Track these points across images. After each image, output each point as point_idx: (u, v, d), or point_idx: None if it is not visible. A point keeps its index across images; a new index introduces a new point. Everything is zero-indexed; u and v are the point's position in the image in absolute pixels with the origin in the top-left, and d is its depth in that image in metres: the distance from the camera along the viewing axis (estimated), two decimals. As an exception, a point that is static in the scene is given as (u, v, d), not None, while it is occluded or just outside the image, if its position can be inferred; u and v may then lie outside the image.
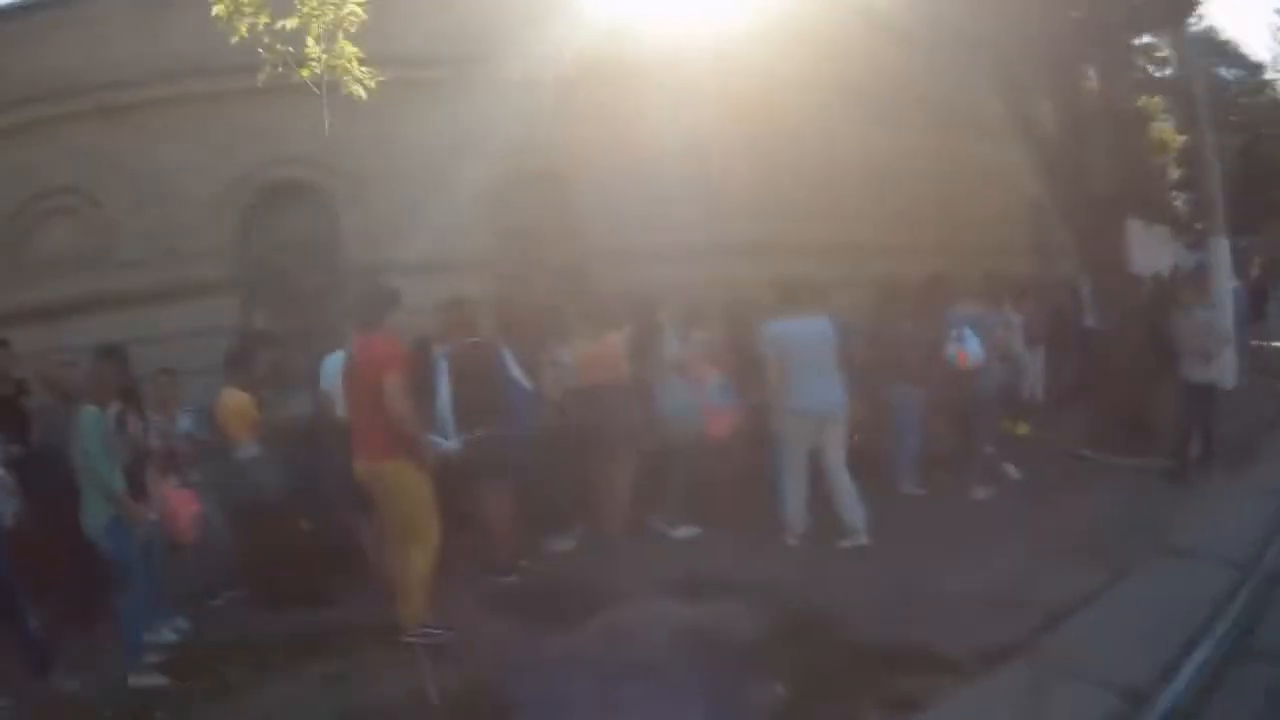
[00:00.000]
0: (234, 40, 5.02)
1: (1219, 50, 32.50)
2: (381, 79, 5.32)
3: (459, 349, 7.20)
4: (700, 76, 10.77)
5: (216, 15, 4.98)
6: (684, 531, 7.79)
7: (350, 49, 5.21)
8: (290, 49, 5.10)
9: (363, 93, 5.31)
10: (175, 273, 10.17)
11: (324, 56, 5.17)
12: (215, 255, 10.30)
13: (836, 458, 7.39)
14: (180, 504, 6.59)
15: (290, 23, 5.06)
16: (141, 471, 6.01)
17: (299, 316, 10.02)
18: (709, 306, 8.79)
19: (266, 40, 5.04)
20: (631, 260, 10.40)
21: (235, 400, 6.86)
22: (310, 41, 5.12)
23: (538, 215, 11.25)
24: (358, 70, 5.27)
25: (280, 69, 5.11)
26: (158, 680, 5.42)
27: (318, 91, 5.23)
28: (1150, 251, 18.11)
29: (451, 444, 6.83)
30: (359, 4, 5.15)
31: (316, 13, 5.11)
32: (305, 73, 5.17)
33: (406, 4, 9.58)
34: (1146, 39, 19.54)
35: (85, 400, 5.67)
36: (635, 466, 7.71)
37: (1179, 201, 26.52)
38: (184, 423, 7.34)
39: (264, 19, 4.99)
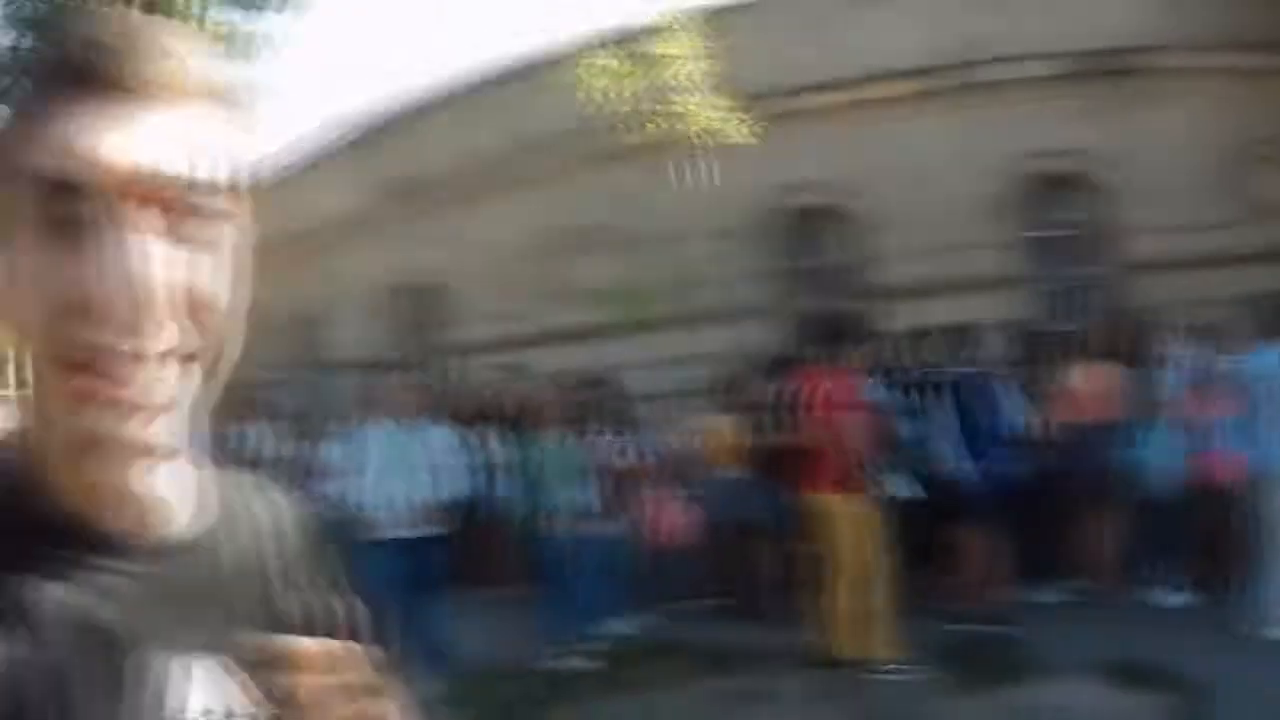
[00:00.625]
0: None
1: None
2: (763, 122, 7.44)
3: (963, 378, 7.23)
4: (1218, 68, 10.15)
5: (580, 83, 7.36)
6: (1173, 598, 6.98)
7: (721, 104, 7.19)
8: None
9: (750, 138, 7.05)
10: (697, 301, 11.06)
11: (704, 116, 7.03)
12: (746, 280, 11.38)
13: None
14: (667, 514, 7.56)
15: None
16: (623, 484, 7.17)
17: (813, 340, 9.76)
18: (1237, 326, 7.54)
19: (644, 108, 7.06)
20: (1164, 269, 9.95)
21: (720, 425, 7.80)
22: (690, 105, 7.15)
23: (1062, 225, 10.89)
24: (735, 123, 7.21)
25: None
26: (584, 664, 6.34)
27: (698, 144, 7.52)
28: None
29: (910, 489, 6.78)
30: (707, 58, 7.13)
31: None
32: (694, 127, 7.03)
33: (900, 16, 10.62)
34: None
35: (547, 424, 7.06)
36: (1122, 517, 7.21)
37: None
38: (659, 442, 8.15)
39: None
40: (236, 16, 18.06)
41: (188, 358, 0.67)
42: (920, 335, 8.25)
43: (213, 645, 0.76)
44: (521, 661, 6.47)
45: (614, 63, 9.25)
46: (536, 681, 6.13)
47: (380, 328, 14.50)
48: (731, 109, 8.92)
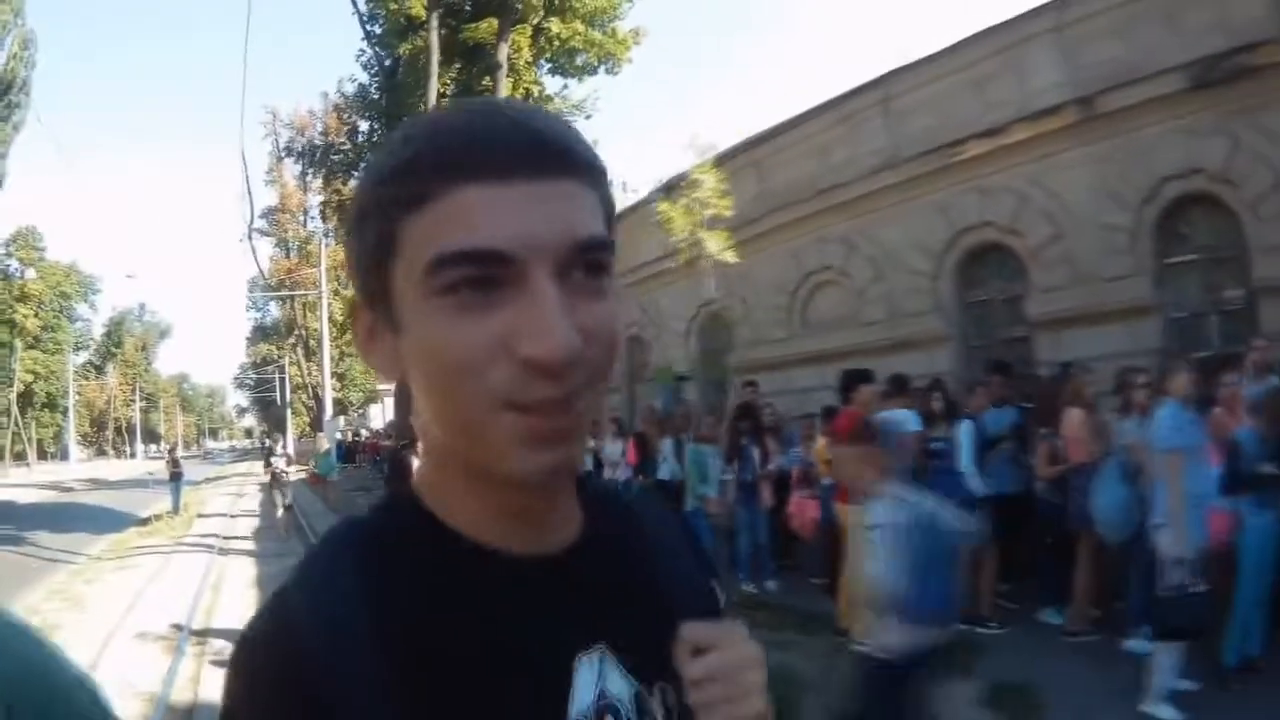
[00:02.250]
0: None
1: None
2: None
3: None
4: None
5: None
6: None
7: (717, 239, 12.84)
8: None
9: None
10: (903, 329, 12.92)
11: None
12: (935, 312, 12.68)
13: None
14: (804, 510, 9.13)
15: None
16: (775, 485, 9.91)
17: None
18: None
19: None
20: None
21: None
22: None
23: (1198, 249, 10.20)
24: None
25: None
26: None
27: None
28: None
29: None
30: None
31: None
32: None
33: (1036, 59, 11.30)
34: None
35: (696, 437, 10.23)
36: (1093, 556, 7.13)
37: None
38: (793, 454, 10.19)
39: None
40: (561, 82, 22.29)
41: (587, 391, 0.76)
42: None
43: (613, 642, 0.85)
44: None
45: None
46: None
47: (690, 348, 18.38)
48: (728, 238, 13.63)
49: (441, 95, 19.09)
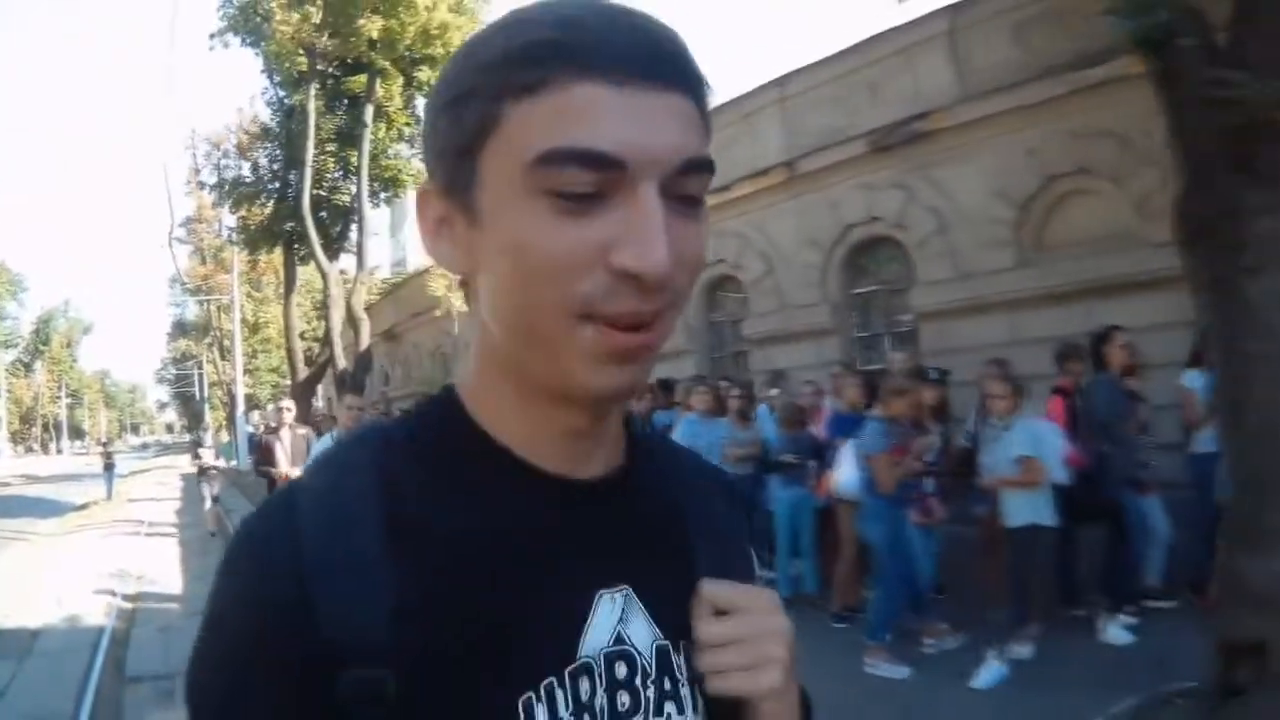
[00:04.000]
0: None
1: None
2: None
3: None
4: (1006, 110, 10.66)
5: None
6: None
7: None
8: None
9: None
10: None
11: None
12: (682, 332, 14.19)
13: None
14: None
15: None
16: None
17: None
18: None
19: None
20: (949, 317, 11.59)
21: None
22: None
23: (876, 281, 13.11)
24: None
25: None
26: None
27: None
28: None
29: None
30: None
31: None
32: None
33: (768, 124, 13.62)
34: None
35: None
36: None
37: None
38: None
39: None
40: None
41: (667, 314, 0.73)
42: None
43: (639, 586, 0.82)
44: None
45: None
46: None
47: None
48: None
49: (325, 141, 22.73)
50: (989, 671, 5.96)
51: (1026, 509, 6.21)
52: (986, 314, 10.96)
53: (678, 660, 0.83)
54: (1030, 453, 6.16)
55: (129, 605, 11.05)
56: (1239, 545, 4.78)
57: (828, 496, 7.56)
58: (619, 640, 0.80)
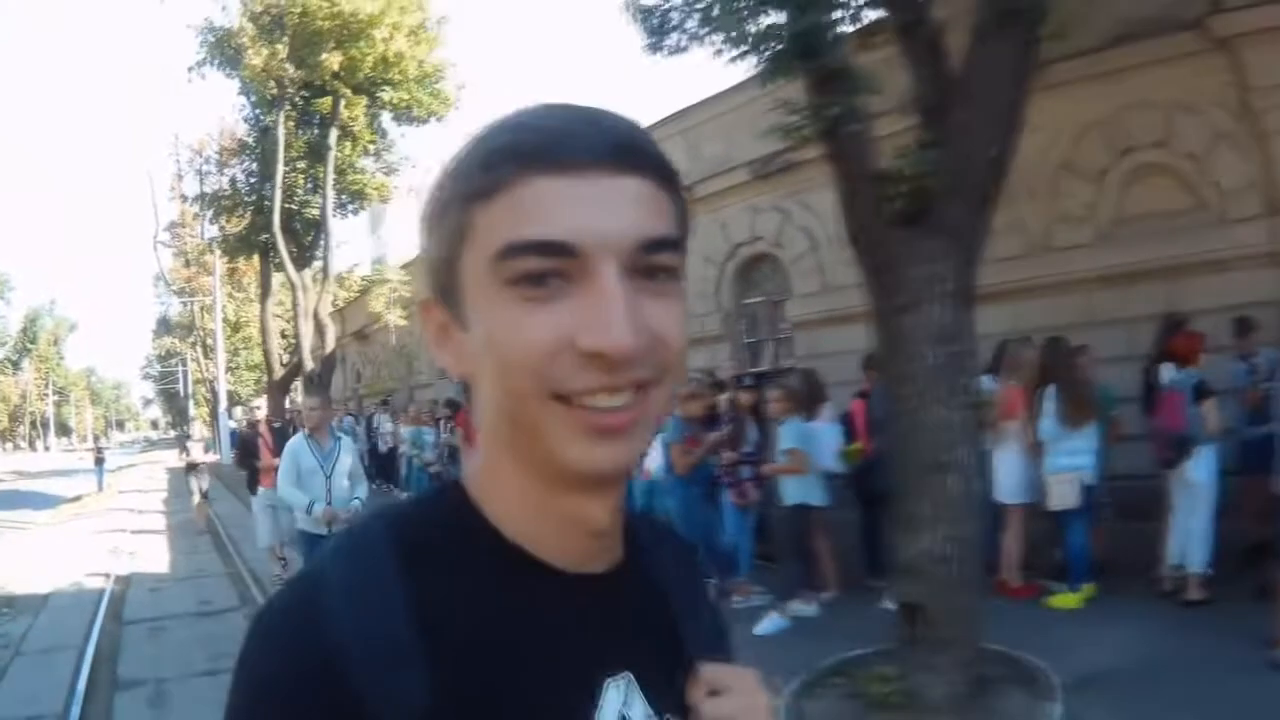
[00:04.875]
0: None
1: None
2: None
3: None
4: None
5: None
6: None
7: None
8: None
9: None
10: None
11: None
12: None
13: None
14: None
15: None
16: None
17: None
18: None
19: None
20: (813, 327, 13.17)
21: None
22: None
23: (759, 294, 14.65)
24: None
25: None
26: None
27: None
28: None
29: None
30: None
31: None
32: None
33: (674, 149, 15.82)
34: None
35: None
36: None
37: None
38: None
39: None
40: (401, 130, 27.67)
41: (653, 389, 0.74)
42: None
43: (638, 670, 0.84)
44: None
45: None
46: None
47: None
48: None
49: (296, 158, 24.72)
50: (769, 622, 7.30)
51: (797, 491, 7.58)
52: (848, 324, 11.82)
53: None
54: (795, 446, 7.56)
55: (124, 573, 13.10)
56: (897, 527, 5.66)
57: (648, 479, 9.25)
58: None
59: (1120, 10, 9.39)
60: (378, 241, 49.04)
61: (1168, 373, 7.10)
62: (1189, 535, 6.91)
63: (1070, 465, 7.24)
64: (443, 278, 0.79)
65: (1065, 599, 7.26)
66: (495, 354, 0.74)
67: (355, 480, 7.63)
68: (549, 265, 0.71)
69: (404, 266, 24.76)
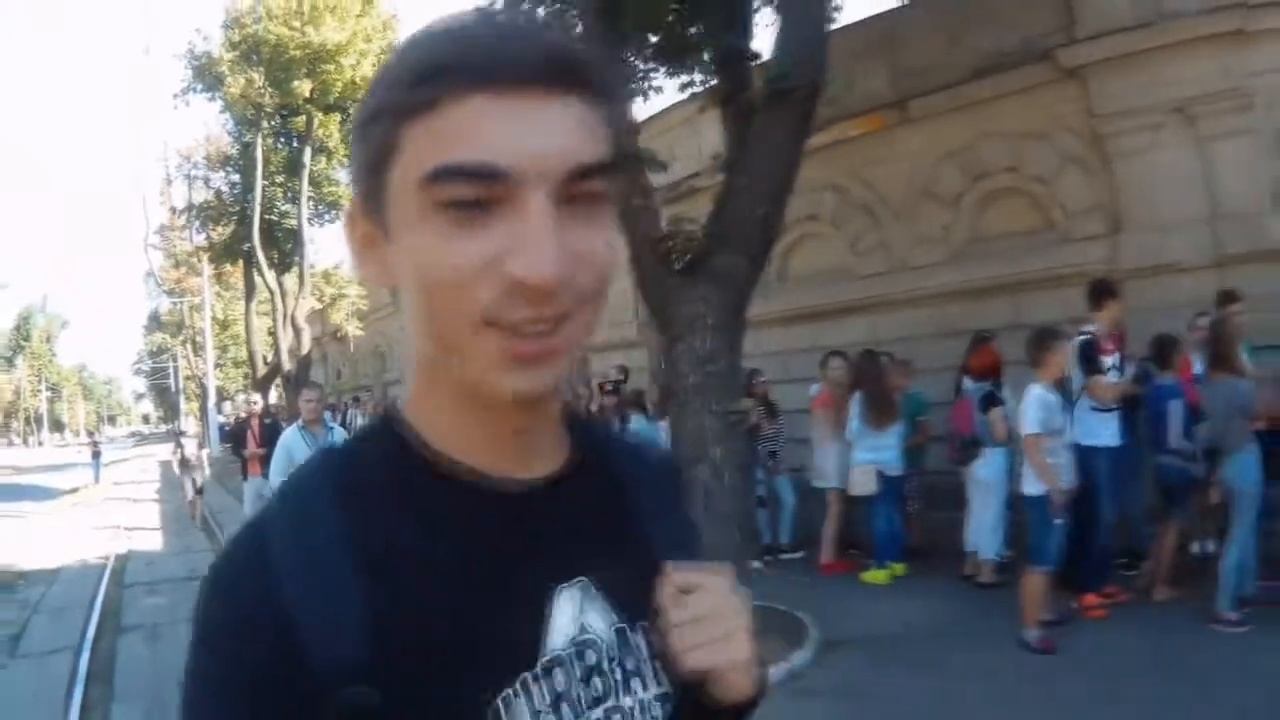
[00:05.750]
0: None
1: None
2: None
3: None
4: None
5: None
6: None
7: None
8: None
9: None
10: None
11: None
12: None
13: None
14: None
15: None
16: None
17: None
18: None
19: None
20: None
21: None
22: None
23: None
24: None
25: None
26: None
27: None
28: None
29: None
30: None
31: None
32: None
33: None
34: None
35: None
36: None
37: None
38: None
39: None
40: None
41: (576, 315, 0.74)
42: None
43: (595, 577, 0.84)
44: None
45: None
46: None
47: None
48: None
49: (275, 173, 26.61)
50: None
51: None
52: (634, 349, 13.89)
53: (635, 639, 0.86)
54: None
55: (123, 551, 15.08)
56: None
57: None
58: (583, 629, 0.82)
59: (981, 44, 10.23)
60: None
61: (967, 383, 8.07)
62: (981, 526, 7.82)
63: (871, 459, 8.39)
64: (367, 187, 0.77)
65: (875, 575, 8.38)
66: (421, 275, 0.73)
67: None
68: (478, 192, 0.70)
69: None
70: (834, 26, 10.05)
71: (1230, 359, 6.51)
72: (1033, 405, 6.25)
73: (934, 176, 11.05)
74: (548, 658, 0.79)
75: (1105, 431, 6.98)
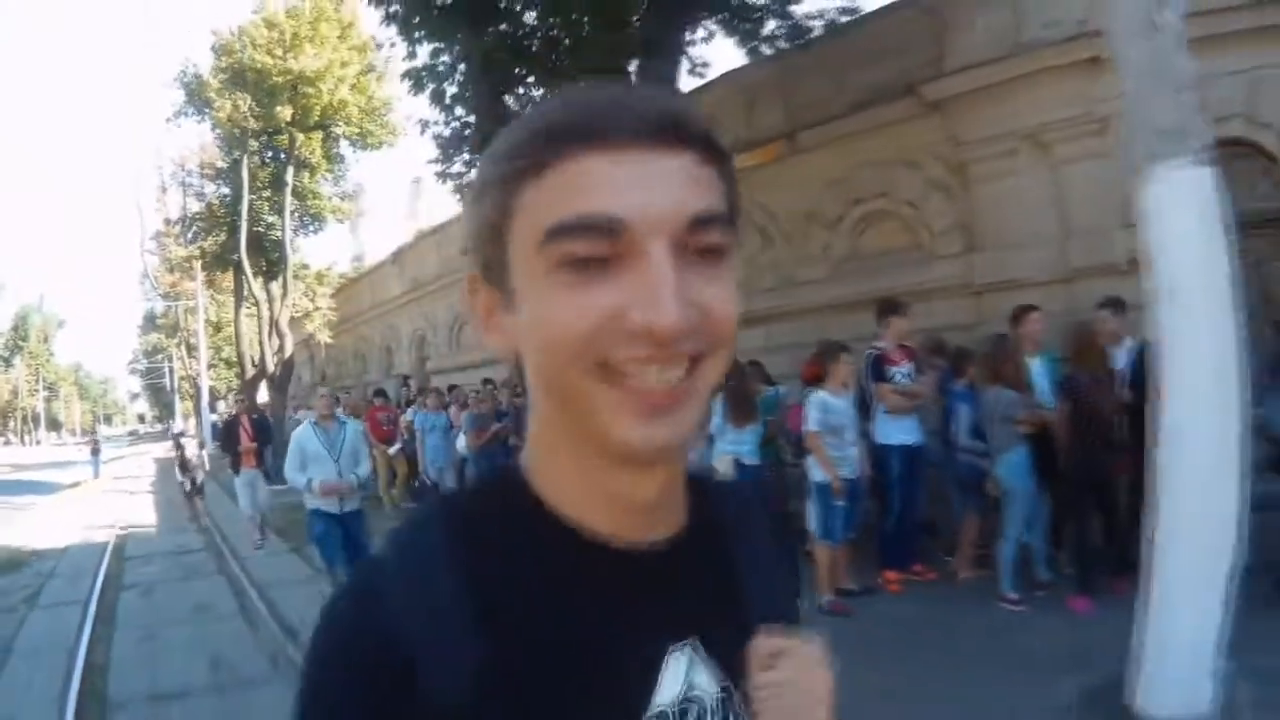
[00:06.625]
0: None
1: None
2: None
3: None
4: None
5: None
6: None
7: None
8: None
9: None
10: None
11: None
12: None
13: None
14: None
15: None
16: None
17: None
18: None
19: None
20: None
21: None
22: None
23: None
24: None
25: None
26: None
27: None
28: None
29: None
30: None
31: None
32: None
33: None
34: None
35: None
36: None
37: None
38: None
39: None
40: (355, 155, 32.54)
41: (701, 365, 0.74)
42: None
43: (704, 637, 0.85)
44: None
45: None
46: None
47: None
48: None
49: (261, 187, 28.48)
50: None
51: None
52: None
53: (739, 699, 0.87)
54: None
55: (123, 533, 17.02)
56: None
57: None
58: (689, 688, 0.83)
59: (862, 81, 11.19)
60: (357, 240, 52.18)
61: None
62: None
63: (730, 450, 8.62)
64: (489, 256, 0.79)
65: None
66: (545, 332, 0.74)
67: (359, 458, 8.20)
68: (597, 246, 0.71)
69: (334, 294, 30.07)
70: (740, 65, 12.52)
71: (1002, 371, 7.32)
72: (813, 408, 7.49)
73: (818, 201, 12.16)
74: (653, 714, 0.81)
75: (899, 432, 8.04)
